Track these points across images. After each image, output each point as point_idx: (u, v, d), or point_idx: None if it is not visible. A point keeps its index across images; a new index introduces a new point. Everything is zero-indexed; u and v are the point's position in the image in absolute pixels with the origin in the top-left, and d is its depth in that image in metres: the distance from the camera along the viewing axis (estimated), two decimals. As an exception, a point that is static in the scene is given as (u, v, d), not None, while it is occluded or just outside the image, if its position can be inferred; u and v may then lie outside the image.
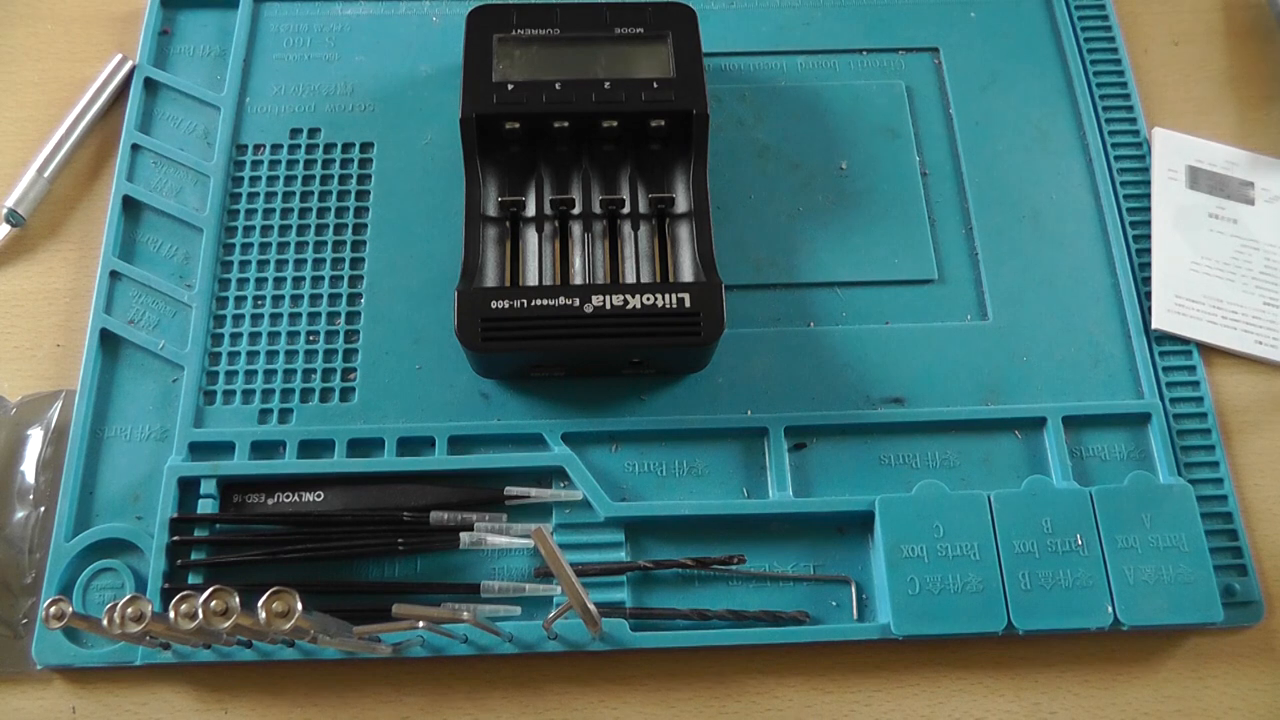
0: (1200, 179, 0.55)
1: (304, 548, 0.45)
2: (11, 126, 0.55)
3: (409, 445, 0.48)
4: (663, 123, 0.49)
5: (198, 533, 0.45)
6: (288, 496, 0.46)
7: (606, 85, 0.49)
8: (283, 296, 0.51)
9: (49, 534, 0.45)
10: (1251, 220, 0.54)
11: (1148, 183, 0.55)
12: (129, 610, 0.35)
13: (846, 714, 0.44)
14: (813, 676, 0.45)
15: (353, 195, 0.53)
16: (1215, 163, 0.55)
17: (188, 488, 0.46)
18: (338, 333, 0.50)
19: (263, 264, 0.51)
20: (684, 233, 0.49)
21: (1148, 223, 0.54)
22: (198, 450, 0.47)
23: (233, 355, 0.49)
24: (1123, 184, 0.55)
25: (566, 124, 0.49)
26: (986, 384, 0.50)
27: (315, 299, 0.51)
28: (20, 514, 0.46)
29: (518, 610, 0.44)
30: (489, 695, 0.44)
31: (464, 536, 0.45)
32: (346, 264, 0.51)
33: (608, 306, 0.45)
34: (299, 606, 0.34)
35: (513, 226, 0.50)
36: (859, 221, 0.53)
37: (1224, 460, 0.49)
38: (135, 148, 0.54)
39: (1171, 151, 0.56)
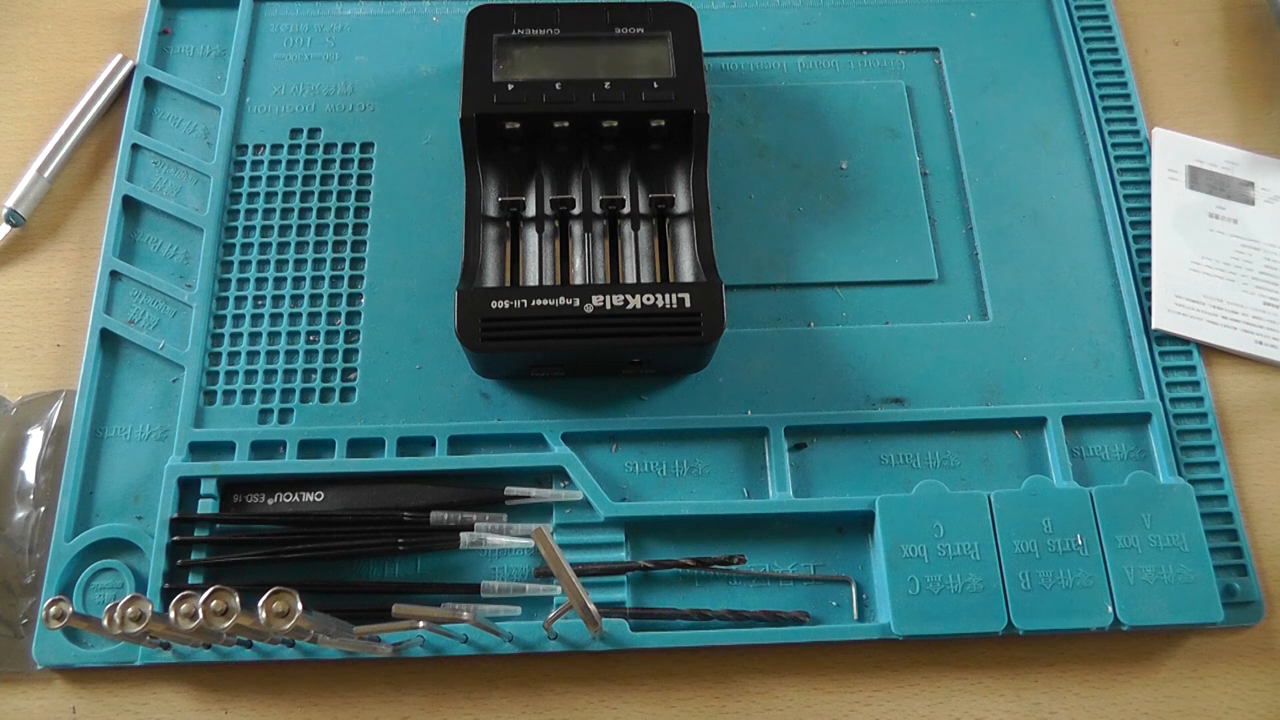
0: (1200, 179, 0.55)
1: (304, 548, 0.45)
2: (11, 126, 0.55)
3: (409, 445, 0.48)
4: (663, 122, 0.49)
5: (198, 533, 0.45)
6: (288, 496, 0.46)
7: (606, 85, 0.49)
8: (283, 296, 0.51)
9: (49, 534, 0.45)
10: (1251, 220, 0.54)
11: (1148, 183, 0.55)
12: (129, 610, 0.35)
13: (846, 714, 0.44)
14: (813, 676, 0.45)
15: (353, 195, 0.53)
16: (1215, 163, 0.55)
17: (188, 488, 0.46)
18: (338, 333, 0.50)
19: (263, 264, 0.51)
20: (684, 233, 0.49)
21: (1148, 223, 0.54)
22: (198, 450, 0.47)
23: (233, 355, 0.49)
24: (1123, 184, 0.55)
25: (567, 124, 0.49)
26: (986, 384, 0.50)
27: (315, 299, 0.51)
28: (20, 514, 0.46)
29: (518, 610, 0.44)
30: (489, 695, 0.44)
31: (464, 536, 0.45)
32: (346, 264, 0.51)
33: (608, 306, 0.45)
34: (299, 606, 0.34)
35: (513, 226, 0.50)
36: (859, 221, 0.53)
37: (1224, 460, 0.49)
38: (135, 148, 0.54)
39: (1171, 151, 0.56)
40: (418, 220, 0.52)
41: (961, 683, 0.45)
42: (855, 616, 0.45)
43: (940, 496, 0.46)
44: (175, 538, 0.45)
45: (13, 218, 0.52)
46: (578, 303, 0.45)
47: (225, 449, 0.47)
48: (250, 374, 0.49)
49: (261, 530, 0.46)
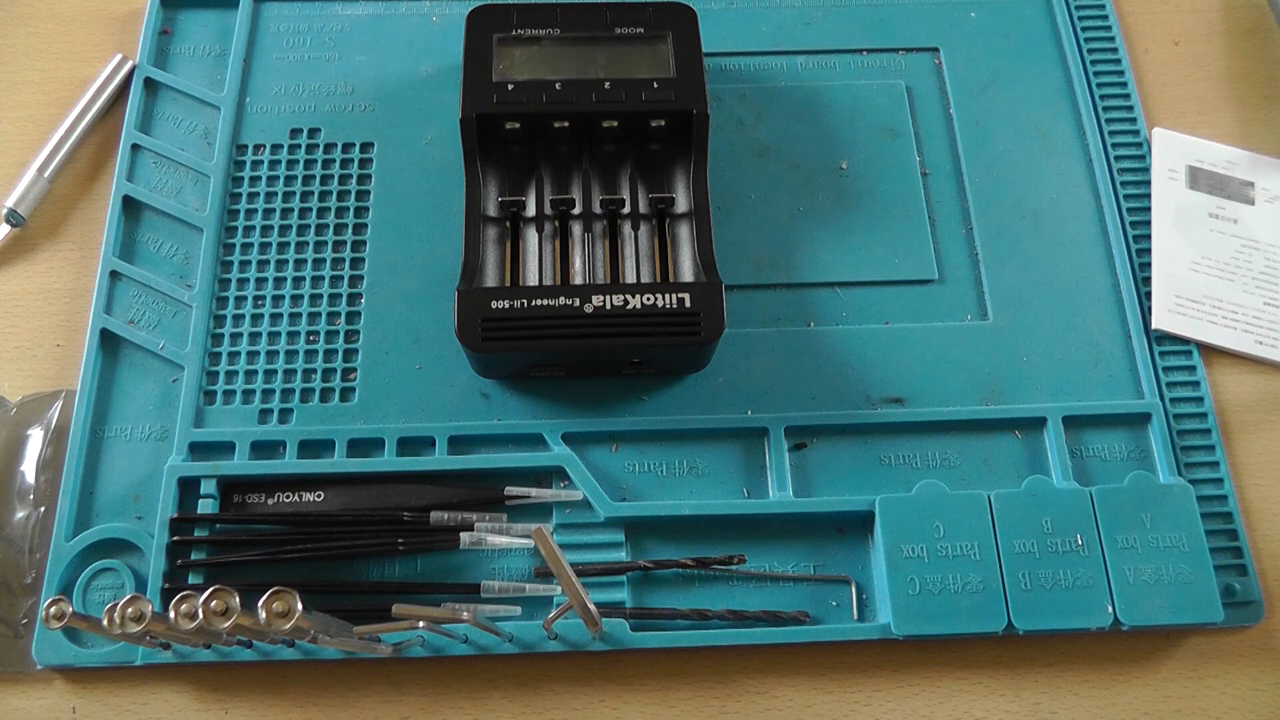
0: (1200, 179, 0.55)
1: (304, 548, 0.45)
2: (11, 126, 0.55)
3: (409, 445, 0.48)
4: (663, 122, 0.49)
5: (198, 533, 0.45)
6: (288, 496, 0.46)
7: (606, 85, 0.49)
8: (283, 296, 0.51)
9: (49, 534, 0.45)
10: (1251, 220, 0.54)
11: (1148, 183, 0.55)
12: (129, 610, 0.35)
13: (846, 714, 0.44)
14: (813, 676, 0.45)
15: (353, 195, 0.53)
16: (1215, 163, 0.55)
17: (188, 488, 0.46)
18: (338, 333, 0.50)
19: (263, 264, 0.51)
20: (684, 233, 0.49)
21: (1148, 223, 0.54)
22: (198, 450, 0.47)
23: (233, 355, 0.49)
24: (1123, 184, 0.55)
25: (567, 124, 0.49)
26: (986, 384, 0.50)
27: (315, 299, 0.51)
28: (20, 514, 0.46)
29: (518, 610, 0.44)
30: (489, 695, 0.44)
31: (464, 536, 0.45)
32: (346, 264, 0.51)
33: (608, 306, 0.45)
34: (299, 606, 0.34)
35: (513, 226, 0.50)
36: (859, 221, 0.53)
37: (1224, 460, 0.49)
38: (135, 148, 0.54)
39: (1171, 151, 0.56)
40: (418, 220, 0.52)
41: (961, 683, 0.45)
42: (855, 616, 0.45)
43: (940, 496, 0.46)
44: (175, 538, 0.45)
45: (13, 218, 0.52)
46: (578, 303, 0.45)
47: (225, 449, 0.47)
48: (250, 374, 0.49)
49: (261, 530, 0.46)
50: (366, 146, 0.54)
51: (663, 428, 0.48)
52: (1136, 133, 0.56)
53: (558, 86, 0.49)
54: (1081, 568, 0.44)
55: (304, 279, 0.51)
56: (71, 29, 0.58)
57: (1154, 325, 0.51)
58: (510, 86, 0.48)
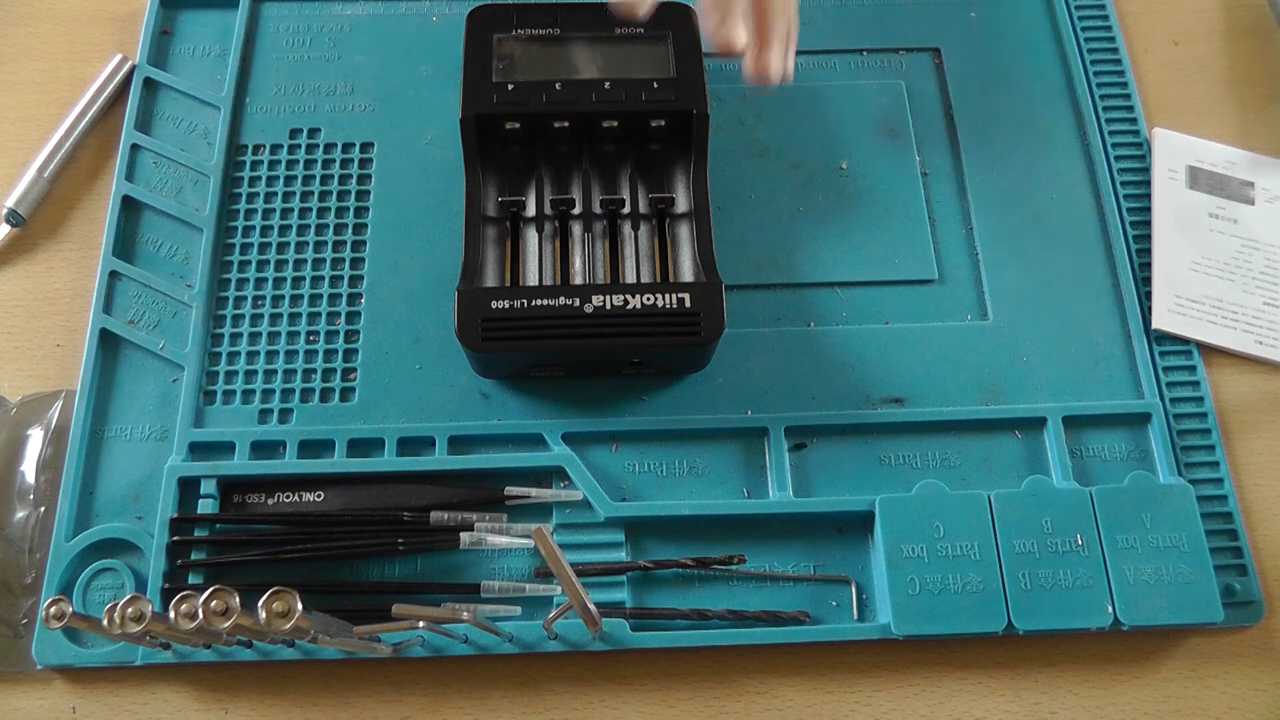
0: (1200, 179, 0.55)
1: (304, 548, 0.45)
2: (11, 126, 0.55)
3: (409, 445, 0.48)
4: (663, 122, 0.49)
5: (198, 533, 0.45)
6: (288, 496, 0.46)
7: (606, 85, 0.49)
8: (283, 296, 0.51)
9: (49, 534, 0.45)
10: (1251, 220, 0.54)
11: (1148, 183, 0.55)
12: (129, 610, 0.35)
13: (846, 714, 0.44)
14: (813, 676, 0.45)
15: (353, 195, 0.53)
16: (1215, 163, 0.55)
17: (188, 488, 0.46)
18: (338, 333, 0.50)
19: (263, 264, 0.51)
20: (684, 233, 0.49)
21: (1148, 223, 0.54)
22: (198, 450, 0.47)
23: (233, 355, 0.49)
24: (1123, 184, 0.55)
25: (566, 124, 0.49)
26: (986, 384, 0.50)
27: (315, 299, 0.51)
28: (20, 514, 0.46)
29: (518, 610, 0.44)
30: (489, 695, 0.44)
31: (464, 536, 0.45)
32: (346, 264, 0.51)
33: (608, 306, 0.45)
34: (299, 606, 0.34)
35: (513, 226, 0.50)
36: (859, 221, 0.53)
37: (1224, 460, 0.49)
38: (135, 148, 0.54)
39: (1171, 151, 0.56)
40: (418, 220, 0.52)
41: (961, 683, 0.45)
42: (855, 616, 0.45)
43: (940, 496, 0.46)
44: (175, 538, 0.45)
45: (13, 218, 0.52)
46: (578, 303, 0.45)
47: (225, 449, 0.47)
48: (250, 374, 0.49)
49: (261, 530, 0.46)
50: (366, 146, 0.54)
51: (663, 428, 0.48)
52: (1136, 133, 0.56)
53: (557, 86, 0.48)
54: (1081, 568, 0.44)
55: (304, 279, 0.51)
56: (71, 29, 0.58)
57: (1154, 325, 0.51)
58: (510, 87, 0.48)
